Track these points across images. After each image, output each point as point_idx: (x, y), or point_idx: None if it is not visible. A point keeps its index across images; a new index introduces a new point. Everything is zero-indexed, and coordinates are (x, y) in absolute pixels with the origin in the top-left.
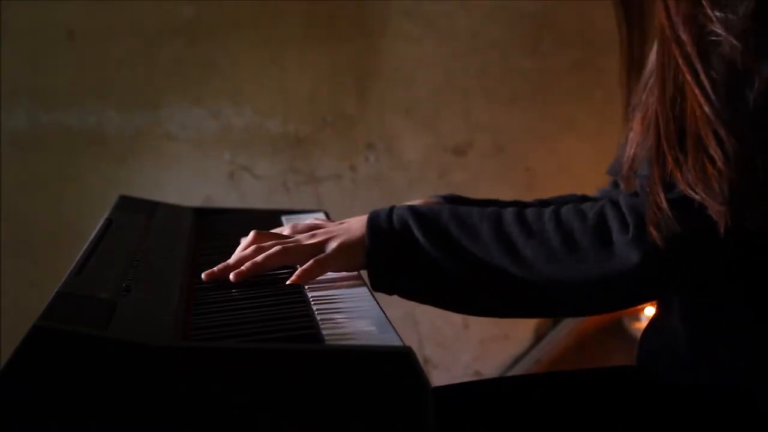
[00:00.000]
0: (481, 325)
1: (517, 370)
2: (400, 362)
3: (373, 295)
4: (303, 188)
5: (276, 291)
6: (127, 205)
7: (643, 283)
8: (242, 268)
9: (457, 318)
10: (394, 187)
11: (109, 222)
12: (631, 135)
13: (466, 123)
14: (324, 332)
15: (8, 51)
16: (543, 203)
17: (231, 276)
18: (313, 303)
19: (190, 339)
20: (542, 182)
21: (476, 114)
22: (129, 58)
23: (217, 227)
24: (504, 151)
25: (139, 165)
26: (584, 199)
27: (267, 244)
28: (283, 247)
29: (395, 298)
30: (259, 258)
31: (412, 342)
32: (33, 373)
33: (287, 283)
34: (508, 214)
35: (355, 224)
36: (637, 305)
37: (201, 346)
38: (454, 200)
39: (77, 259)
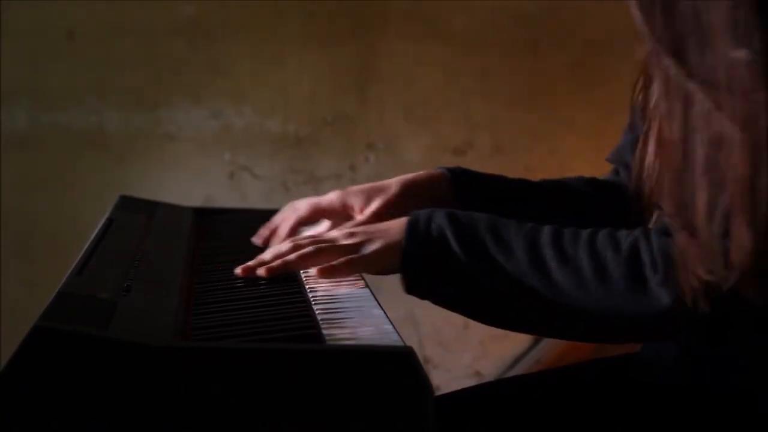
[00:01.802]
0: (481, 325)
1: (517, 370)
2: (400, 362)
3: (373, 295)
4: (303, 188)
5: (276, 291)
6: (128, 205)
7: (675, 323)
8: (273, 264)
9: (457, 318)
10: None
11: (109, 222)
12: (649, 157)
13: (466, 123)
14: (324, 332)
15: (8, 51)
16: (556, 183)
17: (261, 270)
18: (313, 303)
19: (190, 339)
20: None
21: (476, 114)
22: (129, 58)
23: (217, 227)
24: (504, 151)
25: (139, 165)
26: (594, 182)
27: (303, 242)
28: (317, 248)
29: (395, 298)
30: (292, 257)
31: (412, 342)
32: (33, 373)
33: (315, 273)
34: (546, 234)
35: (395, 227)
36: (662, 340)
37: (201, 346)
38: (460, 173)
39: (77, 259)
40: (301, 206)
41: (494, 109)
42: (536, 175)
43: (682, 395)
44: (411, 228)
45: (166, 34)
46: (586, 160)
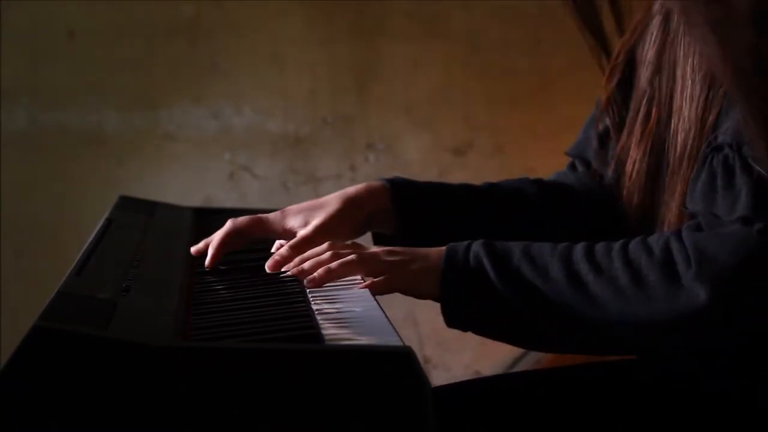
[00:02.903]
0: None
1: (517, 370)
2: (400, 362)
3: (373, 295)
4: (303, 188)
5: (276, 291)
6: (127, 205)
7: (714, 320)
8: (315, 274)
9: None
10: None
11: (109, 222)
12: (633, 152)
13: (466, 123)
14: (324, 332)
15: (8, 51)
16: (500, 187)
17: (306, 281)
18: (313, 303)
19: (190, 339)
20: None
21: (476, 114)
22: (129, 58)
23: (217, 227)
24: (504, 151)
25: (139, 165)
26: (539, 183)
27: (344, 251)
28: (360, 256)
29: (395, 297)
30: (334, 265)
31: (412, 342)
32: (33, 373)
33: (359, 288)
34: (578, 250)
35: (434, 255)
36: (704, 346)
37: (201, 346)
38: (400, 184)
39: (77, 259)
40: (242, 218)
41: (494, 109)
42: (536, 175)
43: (683, 393)
44: (449, 257)
45: (166, 34)
46: None
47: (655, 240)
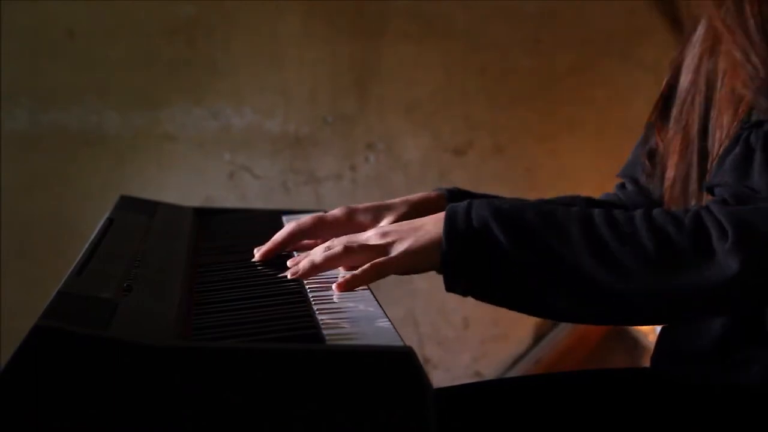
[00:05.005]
0: (481, 325)
1: (517, 370)
2: (400, 362)
3: (373, 295)
4: (303, 188)
5: (276, 291)
6: (128, 205)
7: (743, 292)
8: (300, 266)
9: (457, 318)
10: (393, 188)
11: (109, 222)
12: (672, 155)
13: (466, 123)
14: (324, 332)
15: (8, 51)
16: (545, 202)
17: (289, 272)
18: (313, 303)
19: (190, 339)
20: (542, 182)
21: (476, 114)
22: (129, 58)
23: (217, 227)
24: (504, 151)
25: (139, 165)
26: (590, 201)
27: (334, 243)
28: (345, 248)
29: (395, 297)
30: (319, 258)
31: (412, 342)
32: (33, 373)
33: (336, 285)
34: (598, 215)
35: (430, 224)
36: (730, 314)
37: (201, 346)
38: (457, 194)
39: (78, 259)
40: (305, 218)
41: (494, 109)
42: (536, 175)
43: (685, 399)
44: (450, 221)
45: (166, 34)
46: (586, 160)
47: (682, 212)
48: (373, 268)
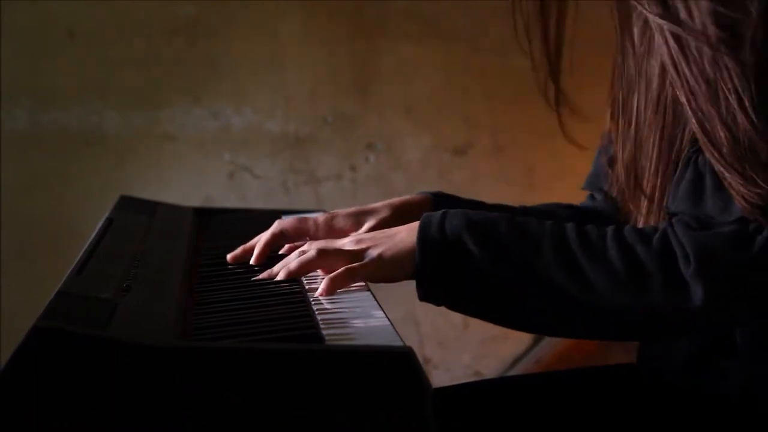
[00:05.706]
0: (481, 325)
1: (517, 370)
2: (400, 362)
3: (373, 295)
4: (303, 188)
5: (276, 291)
6: (128, 204)
7: (707, 318)
8: (274, 270)
9: (457, 318)
10: (393, 188)
11: (109, 222)
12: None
13: (466, 123)
14: (324, 332)
15: (8, 51)
16: (536, 211)
17: (264, 274)
18: (313, 303)
19: (190, 339)
20: (542, 182)
21: (476, 114)
22: (129, 58)
23: (217, 227)
24: (504, 151)
25: (139, 165)
26: (571, 209)
27: (309, 247)
28: (319, 251)
29: (395, 298)
30: (294, 263)
31: (412, 342)
32: (33, 373)
33: (317, 294)
34: (571, 230)
35: (404, 233)
36: (698, 335)
37: (201, 346)
38: (441, 198)
39: (77, 259)
40: (289, 220)
41: (494, 109)
42: (536, 175)
43: (682, 396)
44: (423, 231)
45: (166, 34)
46: (586, 160)
47: (650, 230)
48: (347, 272)
